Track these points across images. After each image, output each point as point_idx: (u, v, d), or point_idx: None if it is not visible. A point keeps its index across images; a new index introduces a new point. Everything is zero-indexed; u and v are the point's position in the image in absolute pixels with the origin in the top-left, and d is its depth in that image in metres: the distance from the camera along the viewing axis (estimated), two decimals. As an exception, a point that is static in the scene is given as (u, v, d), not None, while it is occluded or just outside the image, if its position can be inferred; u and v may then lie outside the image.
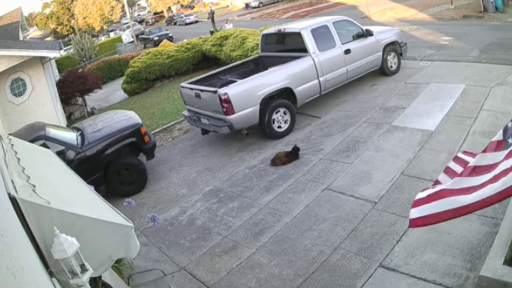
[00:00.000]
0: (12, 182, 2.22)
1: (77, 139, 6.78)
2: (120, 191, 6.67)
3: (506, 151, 2.30)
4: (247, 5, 42.64)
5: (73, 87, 15.00)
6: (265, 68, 8.44)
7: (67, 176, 3.40)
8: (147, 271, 4.59)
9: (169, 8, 55.04)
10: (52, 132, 6.66)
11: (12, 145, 3.23)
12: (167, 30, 33.11)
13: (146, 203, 6.45)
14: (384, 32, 9.37)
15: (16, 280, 1.59)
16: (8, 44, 11.25)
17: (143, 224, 5.25)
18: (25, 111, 10.90)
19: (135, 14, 58.27)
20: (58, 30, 50.56)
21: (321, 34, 8.13)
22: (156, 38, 29.66)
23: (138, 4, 63.66)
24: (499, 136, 2.45)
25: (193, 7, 55.90)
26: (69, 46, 29.83)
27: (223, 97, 6.90)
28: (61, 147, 6.30)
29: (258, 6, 40.50)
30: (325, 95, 8.34)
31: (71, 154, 6.32)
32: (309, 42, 7.93)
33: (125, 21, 44.48)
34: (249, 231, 5.05)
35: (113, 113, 8.27)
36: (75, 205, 2.51)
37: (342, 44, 8.29)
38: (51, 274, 2.16)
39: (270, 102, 7.39)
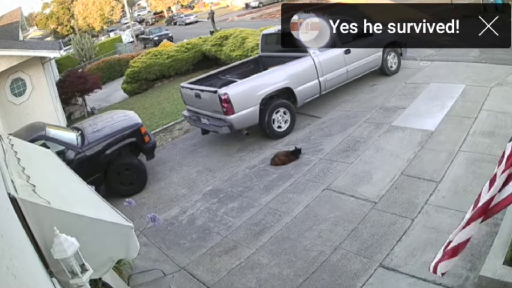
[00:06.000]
0: (12, 182, 2.22)
1: (77, 139, 6.78)
2: (120, 191, 6.67)
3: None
4: (247, 5, 42.64)
5: (73, 87, 15.00)
6: (265, 68, 8.43)
7: (67, 176, 3.40)
8: (147, 271, 4.59)
9: (169, 8, 55.03)
10: (52, 132, 6.66)
11: (12, 145, 3.23)
12: (167, 30, 33.09)
13: (146, 203, 6.44)
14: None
15: (16, 280, 1.59)
16: (8, 44, 11.24)
17: (143, 224, 5.25)
18: (25, 111, 10.89)
19: (135, 14, 58.21)
20: (58, 30, 50.55)
21: (321, 34, 8.13)
22: (156, 38, 29.65)
23: (138, 4, 63.61)
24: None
25: (193, 7, 55.88)
26: (69, 46, 29.81)
27: (223, 97, 6.89)
28: (61, 147, 6.30)
29: (258, 6, 40.48)
30: (325, 95, 8.34)
31: (71, 154, 6.31)
32: (309, 42, 7.93)
33: (125, 21, 44.47)
34: (249, 231, 5.04)
35: (113, 113, 8.27)
36: (75, 205, 2.51)
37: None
38: (51, 274, 2.16)
39: (270, 102, 7.38)
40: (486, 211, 2.38)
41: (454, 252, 2.48)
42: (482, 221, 2.44)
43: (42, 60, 11.58)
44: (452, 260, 2.49)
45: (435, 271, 2.58)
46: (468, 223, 2.45)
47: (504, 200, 2.31)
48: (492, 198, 2.34)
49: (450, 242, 2.52)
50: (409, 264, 3.85)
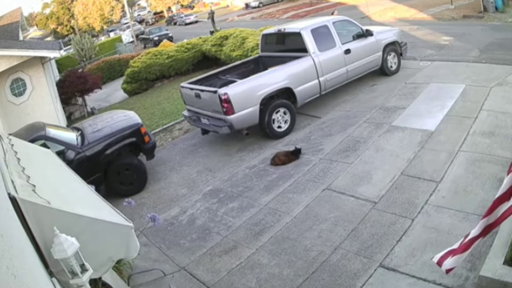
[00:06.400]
0: (12, 182, 2.22)
1: (77, 139, 6.78)
2: (120, 191, 6.67)
3: None
4: (247, 5, 42.65)
5: (73, 87, 15.00)
6: (265, 68, 8.44)
7: (67, 176, 3.40)
8: (147, 271, 4.59)
9: (169, 8, 55.04)
10: (52, 132, 6.66)
11: (12, 145, 3.23)
12: (167, 30, 33.10)
13: (146, 203, 6.44)
14: (384, 32, 9.36)
15: (16, 280, 1.59)
16: (8, 44, 11.24)
17: (143, 224, 5.25)
18: (25, 111, 10.89)
19: (135, 14, 58.24)
20: (58, 30, 50.59)
21: (321, 34, 8.13)
22: (156, 38, 29.65)
23: (138, 4, 63.64)
24: None
25: (193, 7, 55.90)
26: (69, 46, 29.83)
27: (223, 97, 6.90)
28: (61, 147, 6.30)
29: (258, 6, 40.50)
30: (325, 95, 8.34)
31: (71, 154, 6.32)
32: (309, 42, 7.93)
33: (125, 21, 44.47)
34: (249, 231, 5.04)
35: (113, 113, 8.27)
36: (75, 205, 2.51)
37: (342, 44, 8.28)
38: (51, 274, 2.16)
39: (270, 102, 7.38)
40: (493, 210, 2.39)
41: (466, 246, 2.49)
42: (491, 228, 2.44)
43: (42, 60, 11.58)
44: (462, 255, 2.49)
45: (440, 264, 2.57)
46: (482, 218, 2.48)
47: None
48: (499, 199, 2.35)
49: (467, 236, 2.53)
50: (409, 264, 3.85)
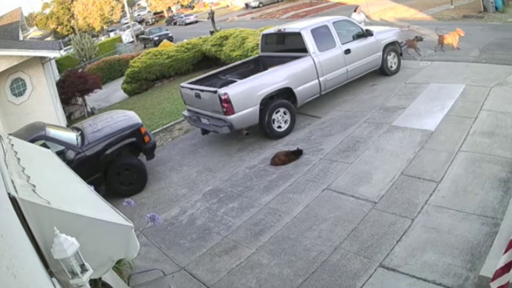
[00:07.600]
0: (12, 182, 2.22)
1: (77, 139, 6.78)
2: (120, 191, 6.67)
3: None
4: (247, 5, 42.65)
5: (73, 87, 15.01)
6: (265, 68, 8.44)
7: (67, 176, 3.40)
8: (147, 271, 4.59)
9: (169, 8, 55.04)
10: (52, 132, 6.66)
11: (12, 145, 3.23)
12: (167, 30, 33.11)
13: (146, 203, 6.44)
14: (384, 32, 9.37)
15: (16, 280, 1.59)
16: (8, 44, 11.25)
17: (143, 224, 5.24)
18: (25, 111, 10.89)
19: (135, 14, 58.21)
20: (58, 30, 50.57)
21: (321, 34, 8.13)
22: (156, 38, 29.66)
23: (138, 4, 63.60)
24: None
25: (193, 7, 55.90)
26: (69, 46, 29.84)
27: (223, 97, 6.90)
28: (61, 147, 6.30)
29: (258, 6, 40.50)
30: (325, 95, 8.34)
31: (71, 154, 6.31)
32: (309, 42, 7.93)
33: (125, 21, 44.45)
34: (249, 231, 5.05)
35: (113, 113, 8.27)
36: (75, 205, 2.51)
37: (342, 44, 8.29)
38: (51, 274, 2.16)
39: (270, 102, 7.38)
40: None
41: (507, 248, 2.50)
42: None
43: (42, 60, 11.59)
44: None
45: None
46: None
47: None
48: None
49: None
50: (409, 264, 3.85)
